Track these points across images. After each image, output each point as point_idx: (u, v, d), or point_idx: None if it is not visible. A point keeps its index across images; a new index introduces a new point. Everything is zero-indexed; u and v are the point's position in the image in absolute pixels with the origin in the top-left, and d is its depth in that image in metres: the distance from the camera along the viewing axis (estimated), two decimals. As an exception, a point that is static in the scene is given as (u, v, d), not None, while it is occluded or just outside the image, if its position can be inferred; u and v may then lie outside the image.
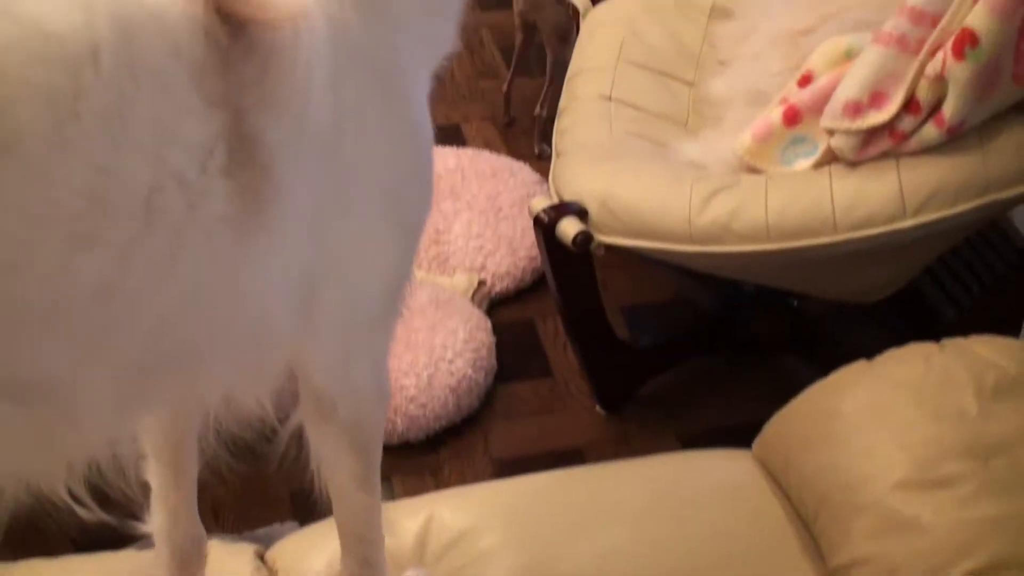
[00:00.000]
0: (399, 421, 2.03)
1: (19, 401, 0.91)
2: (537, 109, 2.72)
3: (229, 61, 0.95)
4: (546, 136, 2.51)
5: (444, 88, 2.95)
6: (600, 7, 2.21)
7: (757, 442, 1.56)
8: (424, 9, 1.24)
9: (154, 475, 1.45)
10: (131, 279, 0.93)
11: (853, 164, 1.71)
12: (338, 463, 1.37)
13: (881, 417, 1.42)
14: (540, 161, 2.65)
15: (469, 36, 3.13)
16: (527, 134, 2.80)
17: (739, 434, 1.61)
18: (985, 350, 1.49)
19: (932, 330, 2.28)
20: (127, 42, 0.88)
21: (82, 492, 1.10)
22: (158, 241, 0.93)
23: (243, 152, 0.97)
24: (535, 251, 2.37)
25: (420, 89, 1.26)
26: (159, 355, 1.02)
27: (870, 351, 1.56)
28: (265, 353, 1.17)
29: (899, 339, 1.58)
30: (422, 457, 2.06)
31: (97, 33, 0.86)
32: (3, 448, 0.94)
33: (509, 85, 2.81)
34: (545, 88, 2.70)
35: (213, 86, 0.94)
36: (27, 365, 0.90)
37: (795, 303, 2.23)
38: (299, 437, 1.35)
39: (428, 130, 1.27)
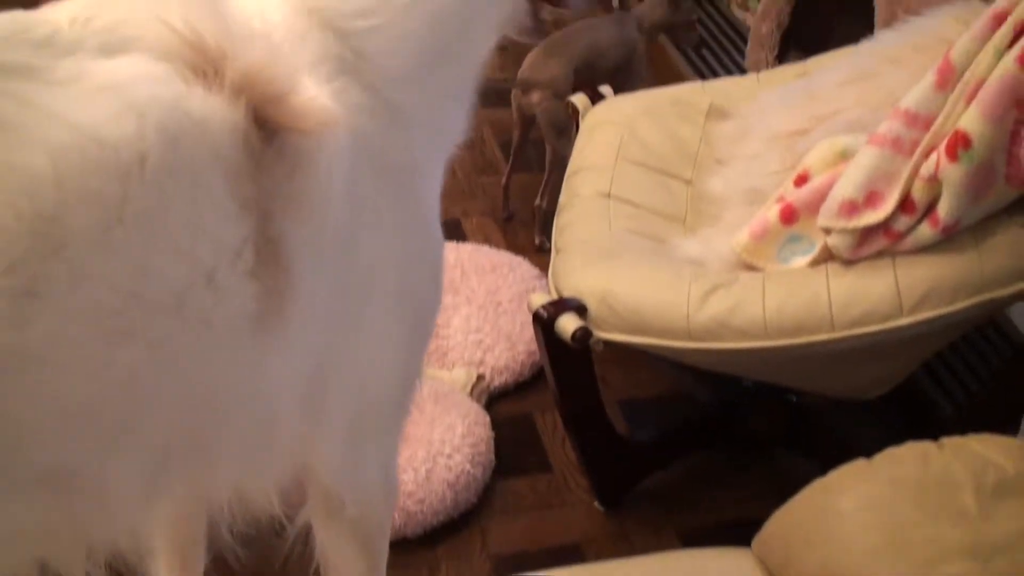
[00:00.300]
0: (396, 516, 2.02)
1: (53, 489, 0.93)
2: (537, 200, 2.75)
3: (261, 165, 0.98)
4: (546, 228, 2.53)
5: (444, 183, 2.98)
6: (599, 107, 2.25)
7: (757, 540, 1.55)
8: (438, 99, 1.27)
9: (162, 568, 1.44)
10: (159, 373, 0.96)
11: (850, 262, 1.73)
12: (344, 560, 1.37)
13: (881, 516, 1.41)
14: (539, 255, 2.67)
15: (470, 132, 3.18)
16: (526, 229, 2.83)
17: (739, 530, 1.60)
18: (984, 449, 1.49)
19: (930, 425, 2.30)
20: (172, 148, 0.91)
21: None
22: (187, 336, 0.97)
23: (268, 254, 1.00)
24: (534, 345, 2.38)
25: (434, 183, 1.29)
26: (180, 446, 1.04)
27: (869, 447, 1.56)
28: (276, 447, 1.18)
29: (897, 434, 1.58)
30: (420, 553, 2.04)
31: (146, 142, 0.89)
32: (33, 534, 0.95)
33: (508, 180, 2.84)
34: (544, 181, 2.73)
35: (246, 190, 0.98)
36: (62, 455, 0.92)
37: (794, 398, 2.23)
38: (307, 533, 1.34)
39: (438, 228, 1.30)
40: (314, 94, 1.04)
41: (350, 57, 1.15)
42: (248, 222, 0.99)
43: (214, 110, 0.95)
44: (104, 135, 0.87)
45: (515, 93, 2.72)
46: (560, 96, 2.57)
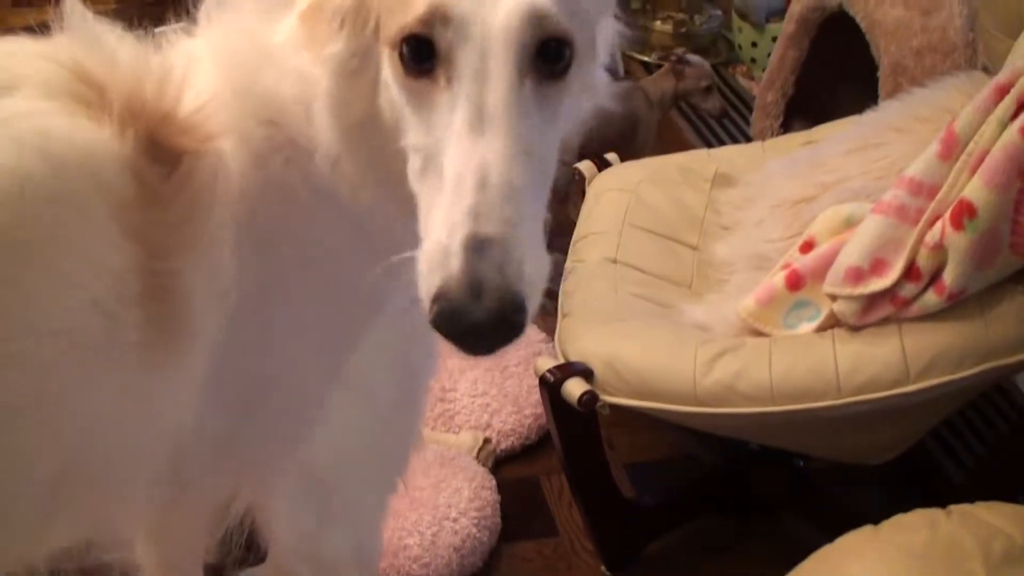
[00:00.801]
0: (402, 580, 2.02)
1: None
2: None
3: (154, 199, 0.99)
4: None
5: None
6: (605, 173, 2.27)
7: (764, 607, 1.55)
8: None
9: None
10: (49, 400, 0.96)
11: (856, 328, 1.74)
12: None
13: (889, 585, 1.41)
14: (546, 319, 2.68)
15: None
16: (533, 292, 2.84)
17: (745, 597, 1.60)
18: (992, 517, 1.49)
19: (937, 490, 2.29)
20: (54, 177, 0.93)
21: None
22: (76, 362, 0.97)
23: (158, 287, 1.00)
24: (540, 409, 2.38)
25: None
26: (72, 473, 1.03)
27: (876, 513, 1.56)
28: (185, 483, 1.16)
29: (904, 499, 1.58)
30: (425, 618, 2.03)
31: (25, 170, 0.91)
32: None
33: None
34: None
35: (131, 220, 0.98)
36: None
37: (800, 463, 2.23)
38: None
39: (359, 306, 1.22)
40: (198, 107, 1.04)
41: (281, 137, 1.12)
42: (133, 251, 0.99)
43: (100, 140, 0.97)
44: None
45: None
46: (563, 163, 2.61)
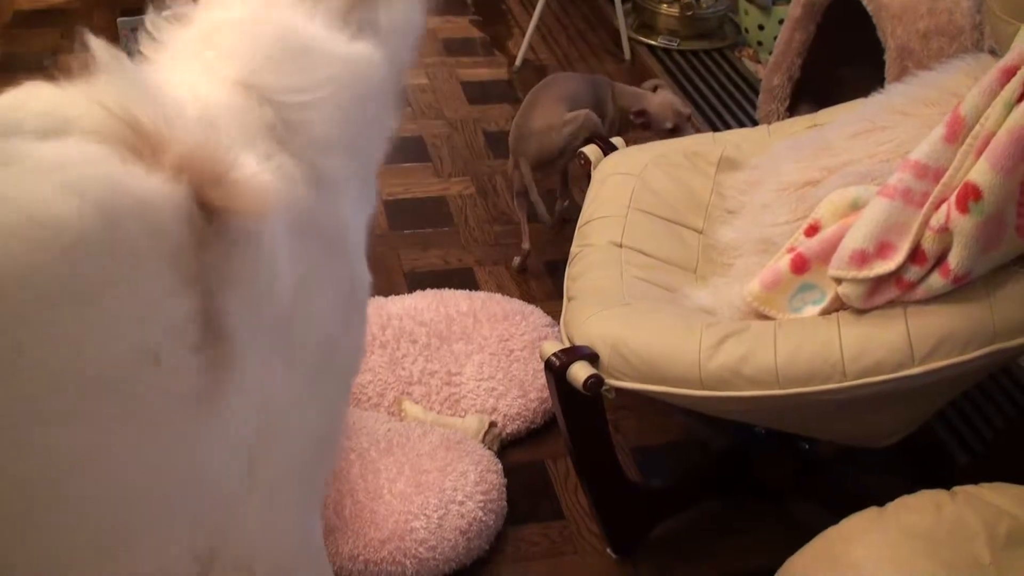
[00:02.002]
0: (409, 564, 2.02)
1: None
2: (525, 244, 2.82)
3: (203, 242, 0.98)
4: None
5: (458, 232, 3.01)
6: (611, 157, 2.27)
7: (770, 589, 1.56)
8: (360, 165, 1.31)
9: None
10: (105, 452, 0.95)
11: (861, 311, 1.74)
12: None
13: (893, 566, 1.41)
14: (551, 303, 2.69)
15: (483, 182, 3.21)
16: (538, 277, 2.85)
17: (752, 579, 1.61)
18: (997, 498, 1.49)
19: (943, 473, 2.29)
20: (112, 228, 0.91)
21: None
22: (129, 416, 0.96)
23: (211, 329, 1.00)
24: (546, 392, 2.39)
25: (360, 239, 1.31)
26: (122, 529, 1.02)
27: (881, 495, 1.56)
28: (217, 515, 1.16)
29: (910, 482, 1.58)
30: (432, 601, 2.04)
31: (86, 221, 0.89)
32: None
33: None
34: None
35: (188, 266, 0.98)
36: (15, 547, 0.90)
37: (806, 446, 2.24)
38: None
39: (365, 277, 1.33)
40: (253, 173, 1.06)
41: (283, 130, 1.18)
42: (192, 298, 0.98)
43: (154, 189, 0.96)
44: (43, 216, 0.86)
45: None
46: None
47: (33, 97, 0.96)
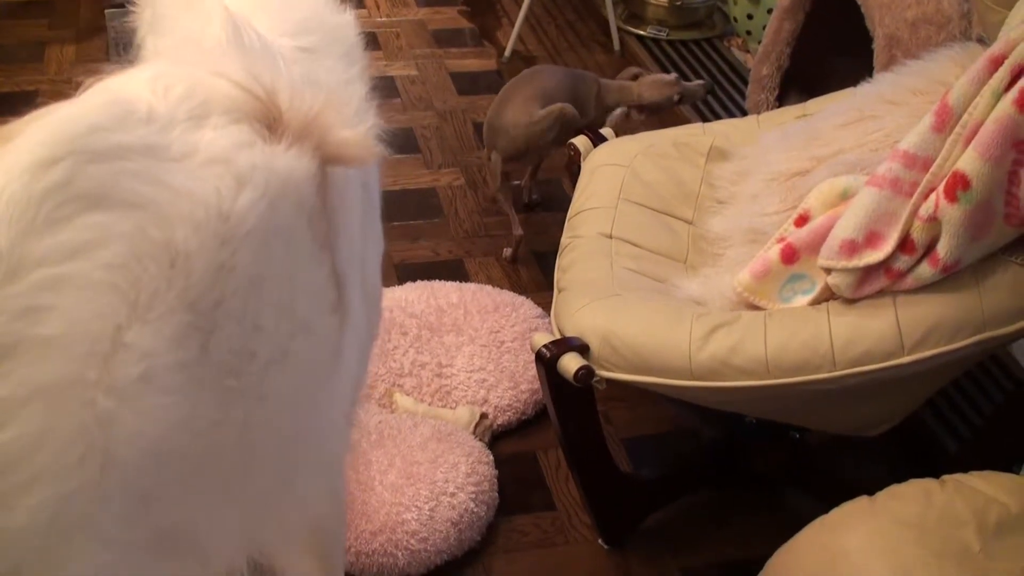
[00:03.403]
0: (400, 555, 2.03)
1: (163, 555, 0.94)
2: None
3: (324, 201, 1.03)
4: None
5: (448, 224, 3.01)
6: (600, 148, 2.27)
7: (760, 578, 1.56)
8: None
9: None
10: (264, 425, 0.99)
11: (851, 301, 1.74)
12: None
13: (884, 555, 1.42)
14: (542, 295, 2.69)
15: (472, 173, 3.21)
16: (529, 268, 2.85)
17: (742, 568, 1.61)
18: (986, 487, 1.50)
19: (933, 461, 2.30)
20: (272, 212, 0.96)
21: None
22: (289, 385, 1.01)
23: (338, 285, 1.05)
24: (537, 383, 2.39)
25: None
26: (275, 491, 1.06)
27: (871, 483, 1.57)
28: (334, 466, 1.24)
29: (900, 471, 1.58)
30: (424, 592, 2.04)
31: (255, 211, 0.94)
32: None
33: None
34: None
35: (322, 229, 1.04)
36: (175, 515, 0.94)
37: (796, 436, 2.24)
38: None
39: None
40: (360, 128, 1.10)
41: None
42: (327, 260, 1.05)
43: (294, 164, 1.00)
44: (224, 209, 0.91)
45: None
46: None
47: (167, 79, 0.98)
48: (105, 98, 0.94)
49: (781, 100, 2.88)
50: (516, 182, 3.00)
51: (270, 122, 1.00)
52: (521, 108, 2.74)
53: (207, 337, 0.89)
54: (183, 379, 0.87)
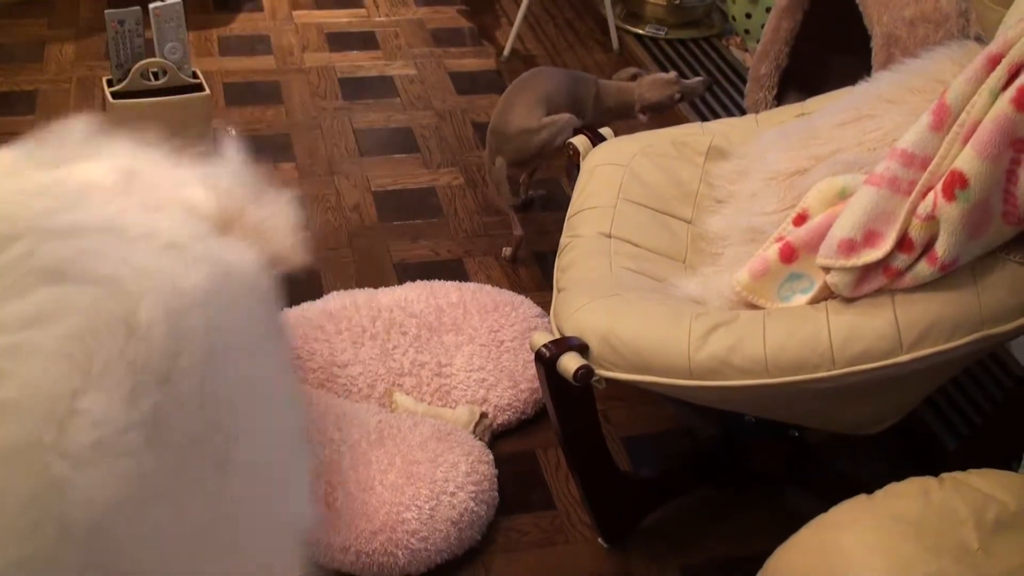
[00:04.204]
0: (400, 555, 2.03)
1: None
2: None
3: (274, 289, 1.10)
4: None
5: (447, 223, 3.01)
6: (599, 148, 2.27)
7: (759, 575, 1.57)
8: None
9: None
10: (227, 490, 1.00)
11: (849, 300, 1.75)
12: None
13: (882, 553, 1.42)
14: (541, 294, 2.69)
15: (472, 172, 3.21)
16: (528, 268, 2.86)
17: (742, 566, 1.62)
18: (985, 484, 1.50)
19: (932, 459, 2.31)
20: (225, 287, 1.00)
21: None
22: (254, 451, 1.03)
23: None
24: (536, 383, 2.39)
25: None
26: (235, 555, 1.09)
27: (870, 481, 1.57)
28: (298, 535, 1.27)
29: (899, 468, 1.59)
30: (424, 591, 2.05)
31: (210, 289, 0.98)
32: None
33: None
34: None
35: (275, 315, 1.10)
36: None
37: (795, 434, 2.24)
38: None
39: None
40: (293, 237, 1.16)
41: None
42: (284, 346, 1.11)
43: (245, 255, 1.05)
44: (184, 286, 0.94)
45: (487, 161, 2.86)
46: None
47: (134, 171, 1.04)
48: (58, 176, 0.99)
49: (780, 99, 2.88)
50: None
51: (223, 224, 1.06)
52: (525, 114, 2.73)
53: (165, 407, 0.91)
54: (138, 445, 0.89)
